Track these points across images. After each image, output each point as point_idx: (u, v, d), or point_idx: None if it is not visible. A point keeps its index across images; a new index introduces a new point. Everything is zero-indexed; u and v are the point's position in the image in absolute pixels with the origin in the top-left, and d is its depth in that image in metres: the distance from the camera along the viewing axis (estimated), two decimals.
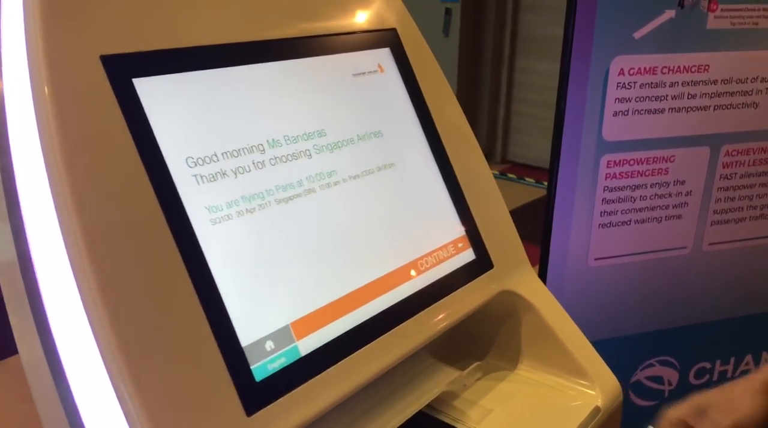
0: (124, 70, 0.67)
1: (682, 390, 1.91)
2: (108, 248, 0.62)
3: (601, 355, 1.75)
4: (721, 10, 1.52)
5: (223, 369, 0.66)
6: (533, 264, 1.10)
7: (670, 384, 1.88)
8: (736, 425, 0.77)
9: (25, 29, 0.64)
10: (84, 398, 0.66)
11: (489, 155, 5.25)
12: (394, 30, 0.99)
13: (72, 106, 0.63)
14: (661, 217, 1.68)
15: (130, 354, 0.61)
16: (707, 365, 1.90)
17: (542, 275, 1.66)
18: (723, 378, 1.93)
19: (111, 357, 0.60)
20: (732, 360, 1.92)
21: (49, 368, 0.68)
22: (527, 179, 4.85)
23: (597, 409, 0.93)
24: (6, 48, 0.68)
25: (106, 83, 0.66)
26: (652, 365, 1.84)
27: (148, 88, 0.69)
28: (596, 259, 1.67)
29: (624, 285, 1.71)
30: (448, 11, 4.85)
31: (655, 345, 1.82)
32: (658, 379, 1.87)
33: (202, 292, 0.67)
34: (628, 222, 1.66)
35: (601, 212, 1.63)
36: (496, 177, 4.95)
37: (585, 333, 1.71)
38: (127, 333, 0.61)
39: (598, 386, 0.95)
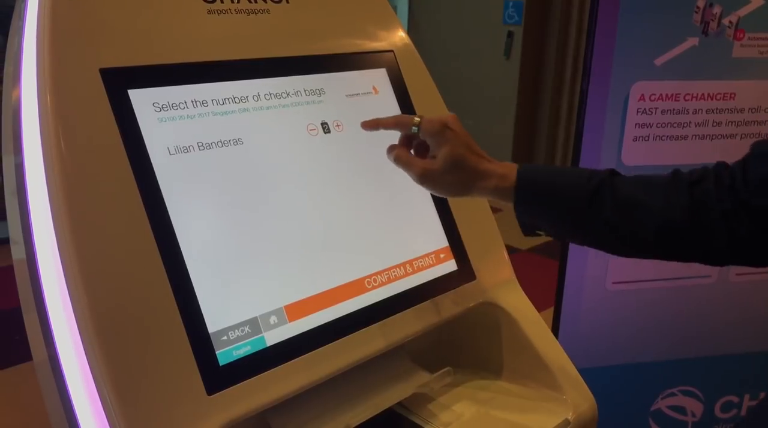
0: (119, 81, 0.77)
1: (707, 423, 1.87)
2: (92, 234, 0.71)
3: (620, 380, 1.75)
4: (748, 38, 1.51)
5: (189, 352, 0.74)
6: None
7: (693, 415, 1.84)
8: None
9: (37, 43, 0.74)
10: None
11: None
12: (391, 52, 1.05)
13: (71, 112, 0.73)
14: None
15: (107, 339, 0.70)
16: (735, 399, 1.85)
17: (559, 294, 1.68)
18: None
19: (89, 343, 0.69)
20: (762, 395, 1.86)
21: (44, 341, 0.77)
22: None
23: (566, 421, 0.95)
24: (26, 60, 0.78)
25: (103, 92, 0.75)
26: (674, 394, 1.81)
27: (140, 98, 0.78)
28: (614, 283, 1.67)
29: (644, 311, 1.70)
30: (510, 34, 4.87)
31: (678, 375, 1.80)
32: (681, 410, 1.83)
33: (176, 284, 0.75)
34: None
35: None
36: None
37: (602, 357, 1.72)
38: (106, 319, 0.70)
39: (571, 400, 0.98)
